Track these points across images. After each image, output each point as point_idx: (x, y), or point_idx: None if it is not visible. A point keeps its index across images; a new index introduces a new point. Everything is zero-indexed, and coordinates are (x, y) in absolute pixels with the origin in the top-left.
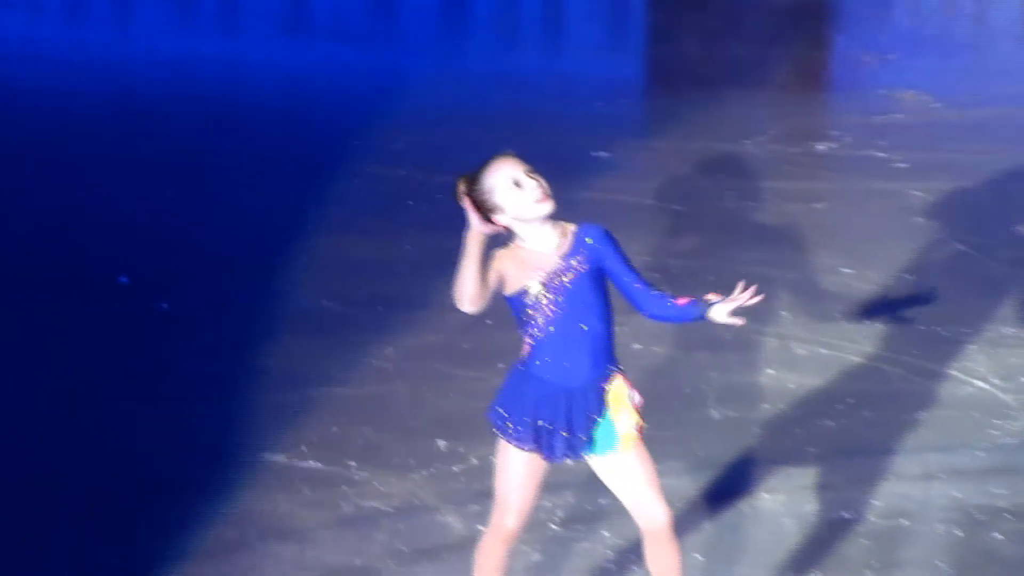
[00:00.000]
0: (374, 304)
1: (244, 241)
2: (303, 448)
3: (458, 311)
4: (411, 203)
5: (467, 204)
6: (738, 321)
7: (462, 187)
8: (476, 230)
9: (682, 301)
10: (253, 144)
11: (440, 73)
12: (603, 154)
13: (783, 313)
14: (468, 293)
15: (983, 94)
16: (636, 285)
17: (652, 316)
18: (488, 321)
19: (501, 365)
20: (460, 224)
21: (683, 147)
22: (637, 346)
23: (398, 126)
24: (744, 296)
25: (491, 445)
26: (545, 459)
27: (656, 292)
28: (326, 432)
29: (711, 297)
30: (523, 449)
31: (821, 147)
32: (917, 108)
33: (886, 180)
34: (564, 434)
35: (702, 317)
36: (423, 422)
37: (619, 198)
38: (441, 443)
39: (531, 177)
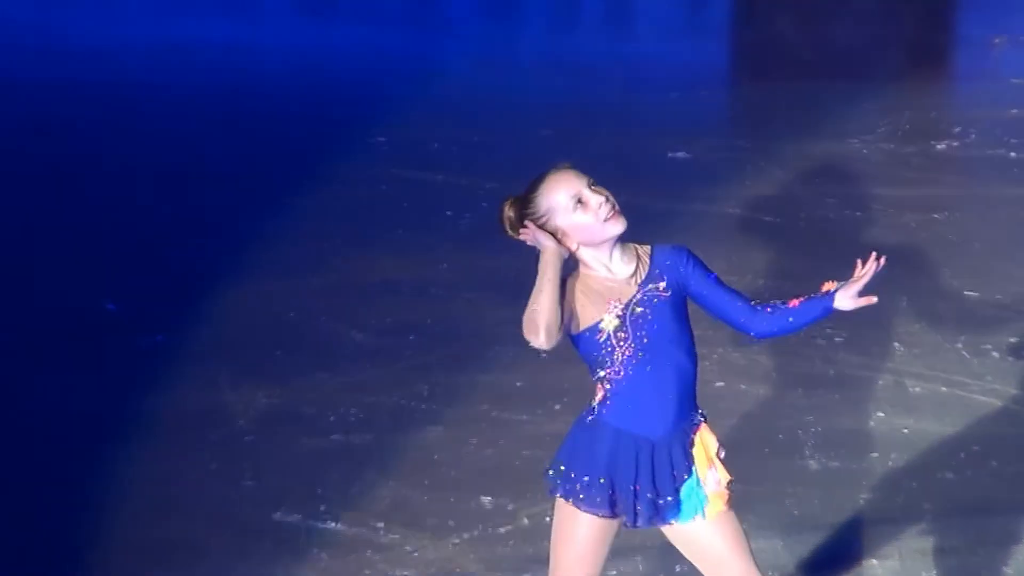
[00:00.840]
0: (405, 333)
1: (253, 259)
2: (321, 507)
3: (514, 345)
4: (450, 214)
5: (527, 232)
6: (870, 299)
7: (510, 212)
8: (553, 249)
9: (795, 303)
10: (261, 143)
11: (486, 59)
12: (680, 155)
13: (896, 345)
14: (545, 323)
15: None
16: (736, 303)
17: (764, 334)
18: (542, 355)
19: (557, 407)
20: (507, 238)
21: (775, 147)
22: (719, 384)
23: (434, 122)
24: (868, 270)
25: (545, 502)
26: (625, 526)
27: (760, 304)
28: (349, 487)
29: (828, 286)
30: (596, 515)
31: (941, 146)
32: None
33: (1019, 185)
34: (649, 496)
35: (829, 310)
36: (464, 475)
37: (699, 208)
38: (486, 500)
39: (596, 191)
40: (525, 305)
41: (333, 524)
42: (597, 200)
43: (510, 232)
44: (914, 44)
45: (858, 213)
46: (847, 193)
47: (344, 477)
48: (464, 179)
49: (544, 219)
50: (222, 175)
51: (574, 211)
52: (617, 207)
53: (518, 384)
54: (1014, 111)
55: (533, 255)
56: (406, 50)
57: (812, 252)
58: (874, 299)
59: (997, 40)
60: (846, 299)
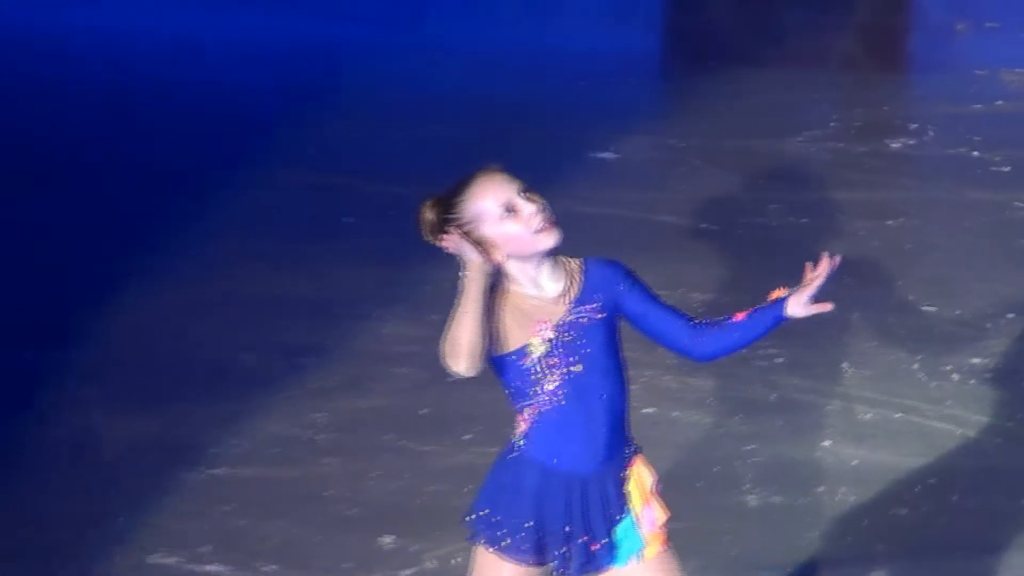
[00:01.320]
0: (299, 355)
1: (132, 271)
2: (202, 548)
3: (419, 367)
4: (351, 221)
5: (450, 240)
6: (826, 305)
7: (431, 214)
8: (478, 265)
9: (740, 316)
10: (138, 141)
11: (394, 49)
12: (607, 155)
13: (844, 366)
14: (468, 350)
15: None
16: (677, 324)
17: (709, 356)
18: (451, 379)
19: (467, 437)
20: (420, 250)
21: (712, 146)
22: (648, 410)
23: (335, 118)
24: (821, 272)
25: (454, 542)
26: (557, 574)
27: (703, 323)
28: (233, 526)
29: (777, 293)
30: (522, 564)
31: (896, 145)
32: None
33: (983, 188)
34: (582, 540)
35: (780, 319)
36: (363, 512)
37: (627, 214)
38: (386, 540)
39: (528, 199)
40: (438, 324)
41: (215, 567)
42: (529, 209)
43: (429, 237)
44: (867, 30)
45: (803, 220)
46: (791, 197)
47: (228, 515)
48: (367, 183)
49: (469, 227)
50: (96, 176)
51: (503, 220)
52: (551, 217)
53: (423, 411)
54: (977, 106)
55: (445, 268)
56: (304, 39)
57: (752, 263)
58: (829, 305)
59: (960, 26)
60: (798, 306)
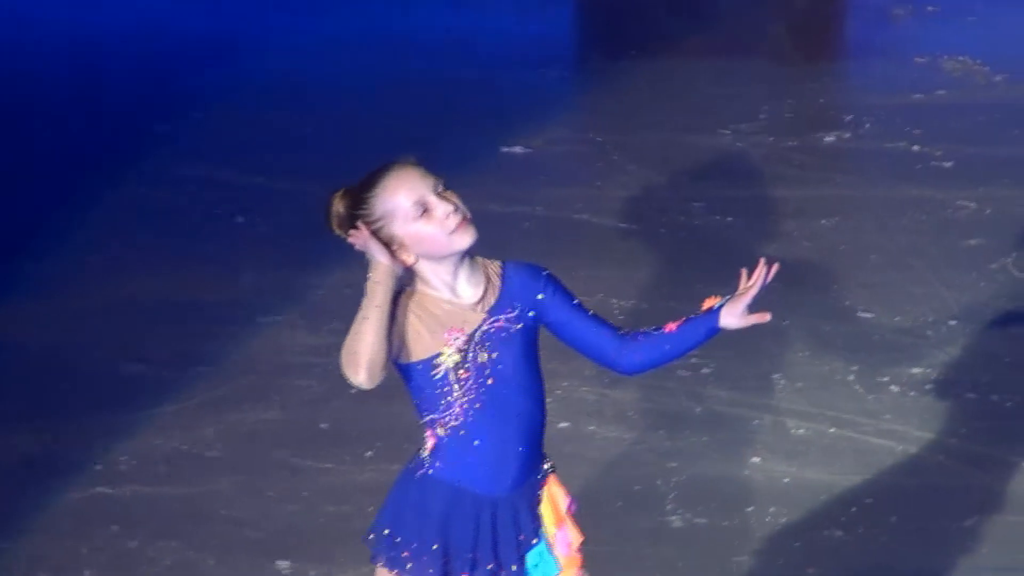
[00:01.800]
0: (189, 365)
1: (5, 276)
2: (86, 572)
3: (318, 378)
4: (242, 220)
5: (358, 236)
6: (763, 316)
7: (340, 206)
8: (385, 267)
9: (672, 327)
10: (14, 136)
11: (291, 34)
12: (518, 149)
13: (775, 377)
14: (368, 359)
15: None
16: (604, 334)
17: (636, 368)
18: (352, 391)
19: (369, 454)
20: (320, 252)
21: (633, 139)
22: (564, 424)
23: (228, 109)
24: (757, 280)
25: (355, 566)
26: None
27: (631, 334)
28: (120, 549)
29: (710, 302)
30: None
31: (830, 139)
32: (968, 83)
33: (923, 185)
34: (490, 567)
35: (714, 330)
36: (258, 534)
37: (540, 212)
38: (283, 564)
39: (444, 197)
40: (339, 332)
41: None
42: (444, 208)
43: (337, 230)
44: (799, 16)
45: (730, 219)
46: (718, 195)
47: (114, 537)
48: (262, 178)
49: (379, 224)
50: None
51: (416, 219)
52: (468, 216)
53: (323, 426)
54: (917, 96)
55: (348, 272)
56: (197, 28)
57: (676, 265)
58: (767, 315)
59: (897, 11)
60: (733, 316)
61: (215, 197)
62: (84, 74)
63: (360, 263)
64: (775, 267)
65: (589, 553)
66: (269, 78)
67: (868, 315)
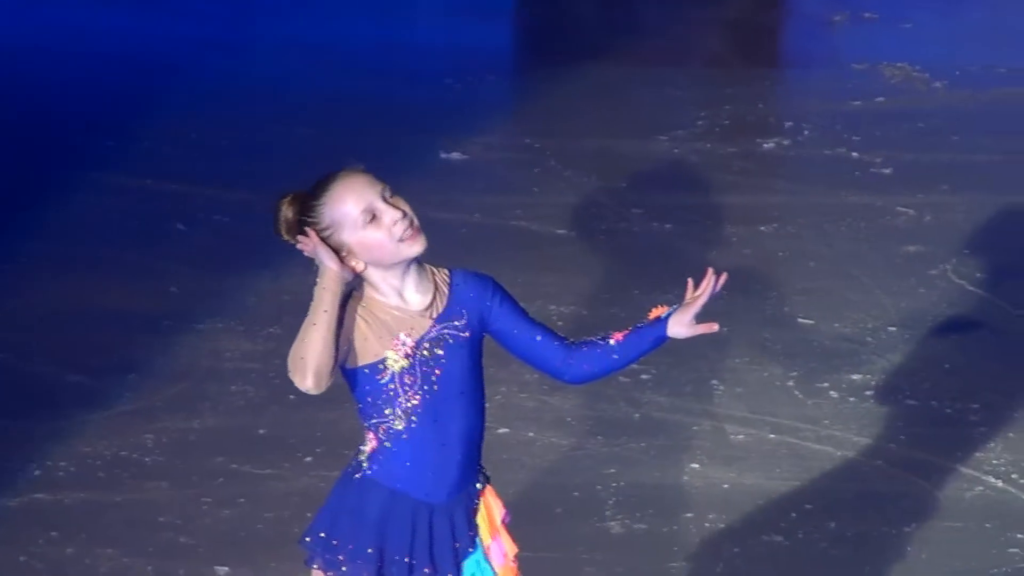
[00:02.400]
0: (126, 372)
1: None
2: None
3: (256, 384)
4: (182, 228)
5: (307, 243)
6: (711, 326)
7: (288, 212)
8: (334, 273)
9: (619, 336)
10: None
11: (226, 44)
12: (455, 156)
13: (714, 383)
14: (315, 365)
15: (1001, 70)
16: (550, 344)
17: (583, 378)
18: (291, 396)
19: (308, 459)
20: (258, 259)
21: (570, 146)
22: (503, 431)
23: (164, 119)
24: (705, 289)
25: (294, 572)
26: None
27: (577, 343)
28: (58, 555)
29: (658, 312)
30: None
31: (769, 145)
32: (907, 90)
33: (862, 192)
34: (426, 571)
35: (662, 339)
36: (196, 540)
37: (478, 219)
38: (221, 571)
39: (392, 205)
40: (277, 338)
41: None
42: (392, 215)
43: (285, 236)
44: (737, 22)
45: (668, 225)
46: (656, 201)
47: (52, 543)
48: (200, 188)
49: (328, 232)
50: None
51: (364, 226)
52: (416, 224)
53: (261, 432)
54: (856, 103)
55: (287, 278)
56: (132, 35)
57: (614, 272)
58: (715, 326)
59: (837, 17)
60: (682, 325)
61: (155, 206)
62: (24, 84)
63: (306, 269)
64: (723, 277)
65: (528, 559)
66: (209, 88)
67: (808, 321)
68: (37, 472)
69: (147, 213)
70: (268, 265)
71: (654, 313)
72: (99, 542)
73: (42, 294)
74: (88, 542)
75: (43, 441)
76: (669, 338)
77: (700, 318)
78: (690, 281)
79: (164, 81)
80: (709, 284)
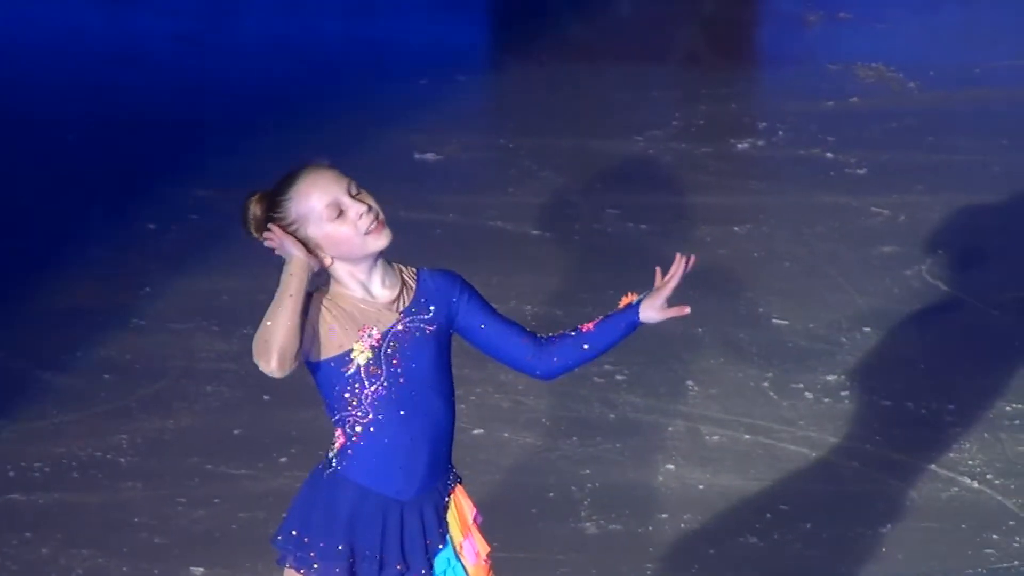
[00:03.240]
0: (99, 372)
1: None
2: None
3: (231, 385)
4: (153, 227)
5: (275, 238)
6: (683, 309)
7: (256, 209)
8: (300, 260)
9: (589, 326)
10: None
11: (193, 40)
12: (430, 156)
13: (689, 384)
14: (279, 346)
15: (975, 70)
16: (519, 339)
17: (554, 372)
18: (266, 397)
19: (283, 459)
20: (229, 258)
21: (545, 146)
22: (478, 431)
23: (134, 116)
24: (675, 273)
25: (270, 572)
26: None
27: (547, 338)
28: (32, 555)
29: (628, 299)
30: None
31: (743, 145)
32: (881, 90)
33: (837, 192)
34: (398, 567)
35: (635, 324)
36: (170, 541)
37: (452, 219)
38: (196, 571)
39: (358, 200)
40: (250, 336)
41: None
42: (358, 210)
43: (253, 234)
44: (712, 21)
45: (643, 226)
46: (630, 201)
47: (25, 543)
48: (171, 185)
49: (294, 227)
50: None
51: (330, 220)
52: (382, 217)
53: (235, 432)
54: (831, 103)
55: (260, 278)
56: (107, 33)
57: (589, 272)
58: (687, 309)
59: (812, 17)
60: (653, 309)
61: (126, 204)
62: (42, 91)
63: (276, 266)
64: (693, 260)
65: (503, 560)
66: (181, 86)
67: (782, 322)
68: (11, 473)
69: (118, 212)
70: (242, 264)
71: (625, 301)
72: (74, 543)
73: (15, 293)
74: (63, 543)
75: (17, 442)
76: (641, 323)
77: (670, 303)
78: (658, 269)
79: (135, 78)
80: (679, 268)
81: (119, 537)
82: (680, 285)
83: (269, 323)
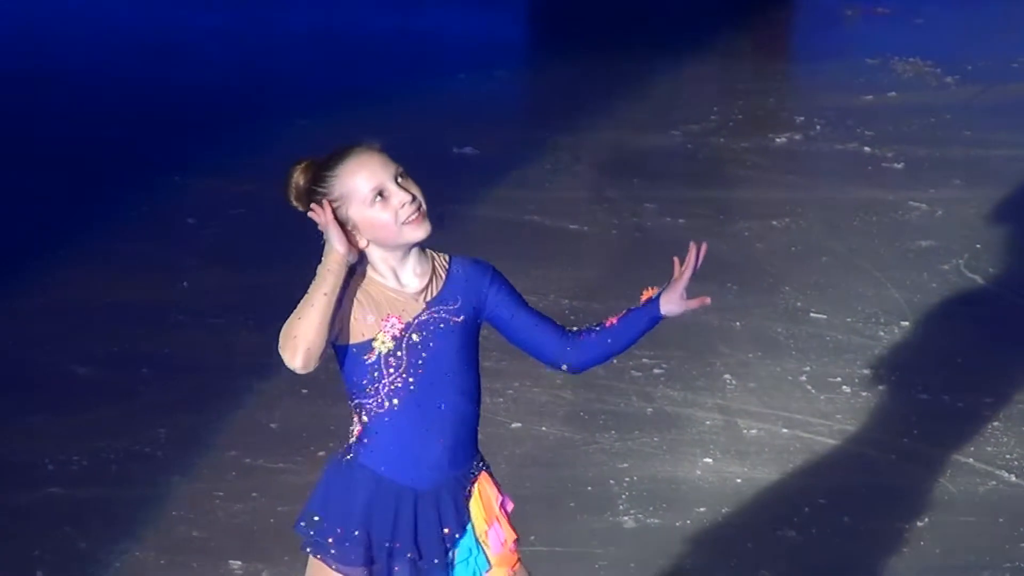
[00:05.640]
0: (138, 366)
1: None
2: (38, 573)
3: (268, 379)
4: (192, 222)
5: (320, 215)
6: (703, 300)
7: (300, 179)
8: (339, 256)
9: (612, 321)
10: None
11: (233, 34)
12: (468, 150)
13: (727, 378)
14: (307, 345)
15: (1013, 64)
16: (547, 332)
17: (581, 365)
18: (304, 391)
19: (321, 453)
20: (269, 253)
21: (583, 140)
22: (516, 425)
23: (173, 110)
24: (689, 263)
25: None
26: None
27: (574, 331)
28: (71, 550)
29: (648, 293)
30: (350, 574)
31: (781, 140)
32: (919, 84)
33: (874, 186)
34: (410, 556)
35: (656, 318)
36: (209, 534)
37: (490, 213)
38: (234, 564)
39: (402, 187)
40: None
41: None
42: (401, 198)
43: (294, 202)
44: (750, 15)
45: (681, 220)
46: (668, 196)
47: (65, 537)
48: (210, 180)
49: (335, 204)
50: None
51: (372, 204)
52: (423, 208)
53: (273, 426)
54: (868, 97)
55: (297, 272)
56: (134, 23)
57: (626, 266)
58: (707, 300)
59: (850, 11)
60: (672, 302)
61: (164, 200)
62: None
63: (318, 260)
64: (703, 249)
65: (542, 553)
66: (219, 80)
67: (820, 316)
68: (50, 466)
69: (157, 207)
70: (278, 258)
71: (646, 295)
72: (112, 536)
73: (51, 291)
74: (101, 536)
75: (56, 435)
76: (663, 317)
77: (691, 294)
78: (676, 259)
79: (176, 71)
80: (691, 258)
81: (157, 530)
82: (695, 274)
83: (300, 318)
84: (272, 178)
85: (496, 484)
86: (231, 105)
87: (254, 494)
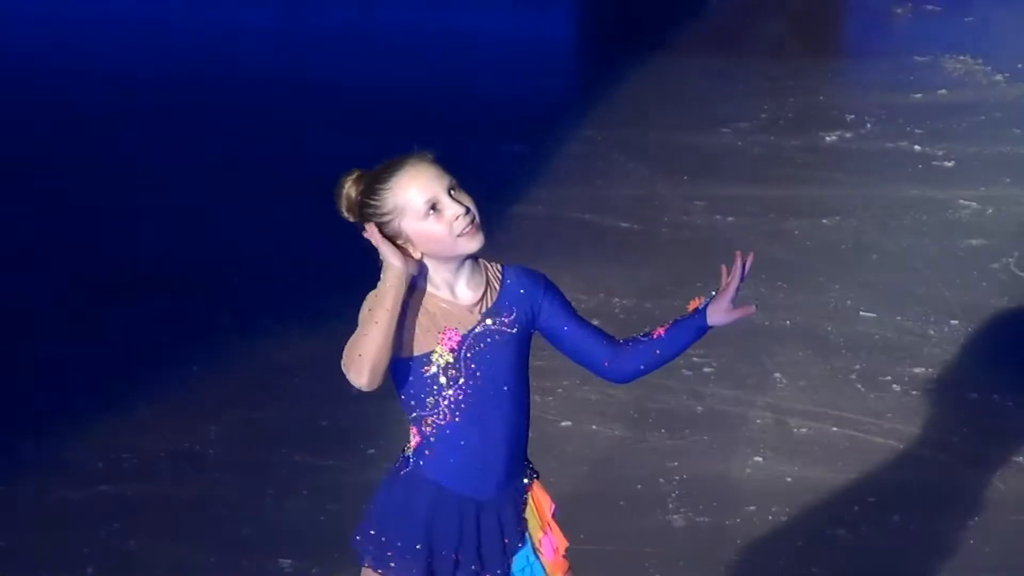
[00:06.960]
0: (187, 363)
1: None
2: (88, 570)
3: (319, 377)
4: (244, 223)
5: (371, 234)
6: (748, 309)
7: (352, 190)
8: (398, 270)
9: (660, 331)
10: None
11: (281, 34)
12: (517, 148)
13: (777, 376)
14: (372, 363)
15: None
16: (599, 344)
17: (630, 376)
18: (352, 390)
19: (371, 451)
20: (317, 251)
21: (632, 138)
22: (565, 424)
23: (231, 114)
24: (735, 274)
25: (356, 565)
26: None
27: (623, 341)
28: (120, 547)
29: (695, 303)
30: None
31: (831, 138)
32: (969, 82)
33: (925, 185)
34: (474, 568)
35: (704, 329)
36: (259, 532)
37: (540, 212)
38: (285, 563)
39: (456, 199)
40: (337, 332)
41: None
42: (455, 210)
43: (345, 214)
44: (800, 13)
45: (731, 218)
46: (718, 194)
47: (115, 535)
48: (252, 182)
49: (388, 218)
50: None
51: (425, 217)
52: (477, 221)
53: (323, 423)
54: (918, 95)
55: (346, 270)
56: (173, 23)
57: (677, 265)
58: (752, 308)
59: (899, 9)
60: (719, 313)
61: (206, 199)
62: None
63: (369, 257)
64: (750, 258)
65: (591, 552)
66: (275, 84)
67: (870, 314)
68: (100, 464)
69: (204, 209)
70: (331, 256)
71: (692, 305)
72: (162, 534)
73: (108, 291)
74: (151, 534)
75: (106, 433)
76: (710, 327)
77: (737, 303)
78: (723, 268)
79: (219, 74)
80: (738, 268)
81: (207, 528)
82: (742, 285)
83: (363, 337)
84: (322, 179)
85: (546, 492)
86: (279, 105)
87: (304, 492)
